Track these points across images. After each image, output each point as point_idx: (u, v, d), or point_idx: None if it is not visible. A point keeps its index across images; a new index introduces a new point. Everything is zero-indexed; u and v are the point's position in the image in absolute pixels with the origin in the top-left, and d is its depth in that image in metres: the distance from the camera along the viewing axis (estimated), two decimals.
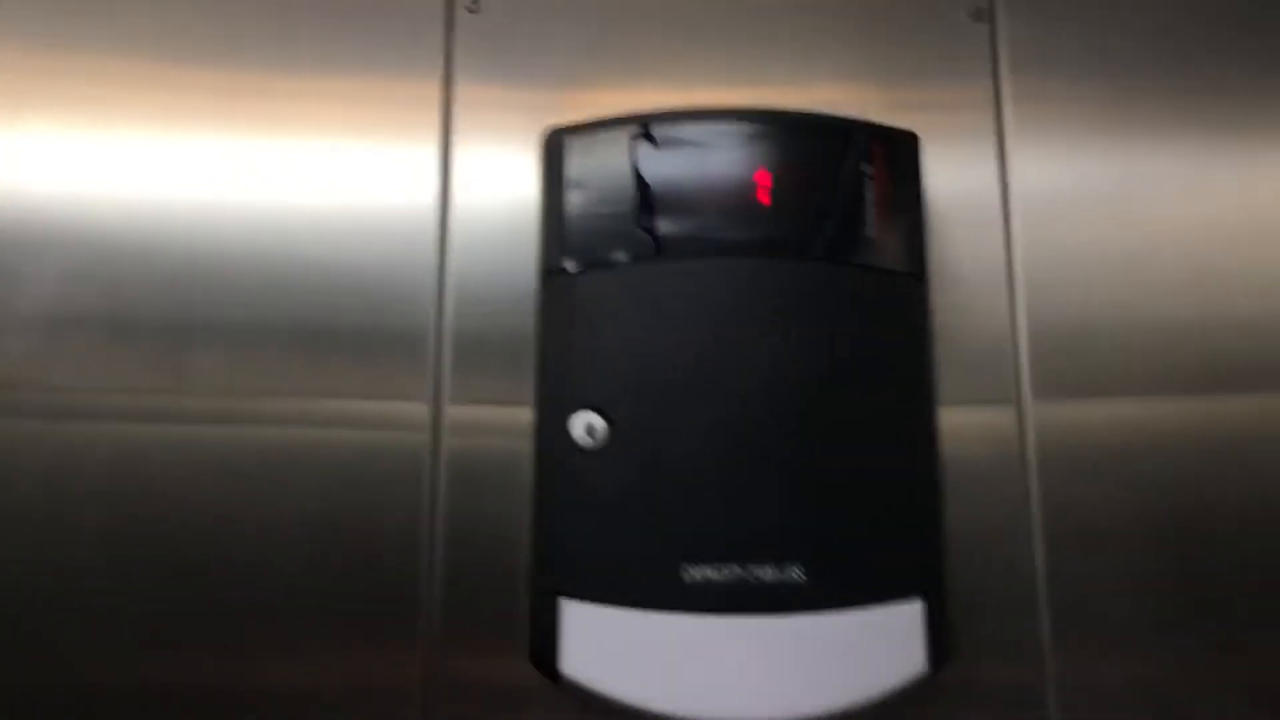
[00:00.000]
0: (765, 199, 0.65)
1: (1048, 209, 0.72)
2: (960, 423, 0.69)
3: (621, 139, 0.67)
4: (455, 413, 0.67)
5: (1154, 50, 0.75)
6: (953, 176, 0.72)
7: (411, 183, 0.70)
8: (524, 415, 0.66)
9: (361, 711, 0.64)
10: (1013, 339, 0.71)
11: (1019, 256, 0.72)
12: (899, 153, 0.68)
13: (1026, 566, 0.68)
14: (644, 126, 0.67)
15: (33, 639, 0.63)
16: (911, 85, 0.74)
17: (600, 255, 0.65)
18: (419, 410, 0.67)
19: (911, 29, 0.75)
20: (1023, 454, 0.69)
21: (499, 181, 0.71)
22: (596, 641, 0.61)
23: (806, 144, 0.67)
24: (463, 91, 0.72)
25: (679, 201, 0.66)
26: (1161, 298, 0.71)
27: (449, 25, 0.72)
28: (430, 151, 0.71)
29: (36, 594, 0.63)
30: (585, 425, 0.63)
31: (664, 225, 0.65)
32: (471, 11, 0.72)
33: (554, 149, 0.68)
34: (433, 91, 0.71)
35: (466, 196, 0.70)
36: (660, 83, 0.74)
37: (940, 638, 0.62)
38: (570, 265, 0.65)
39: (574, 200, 0.66)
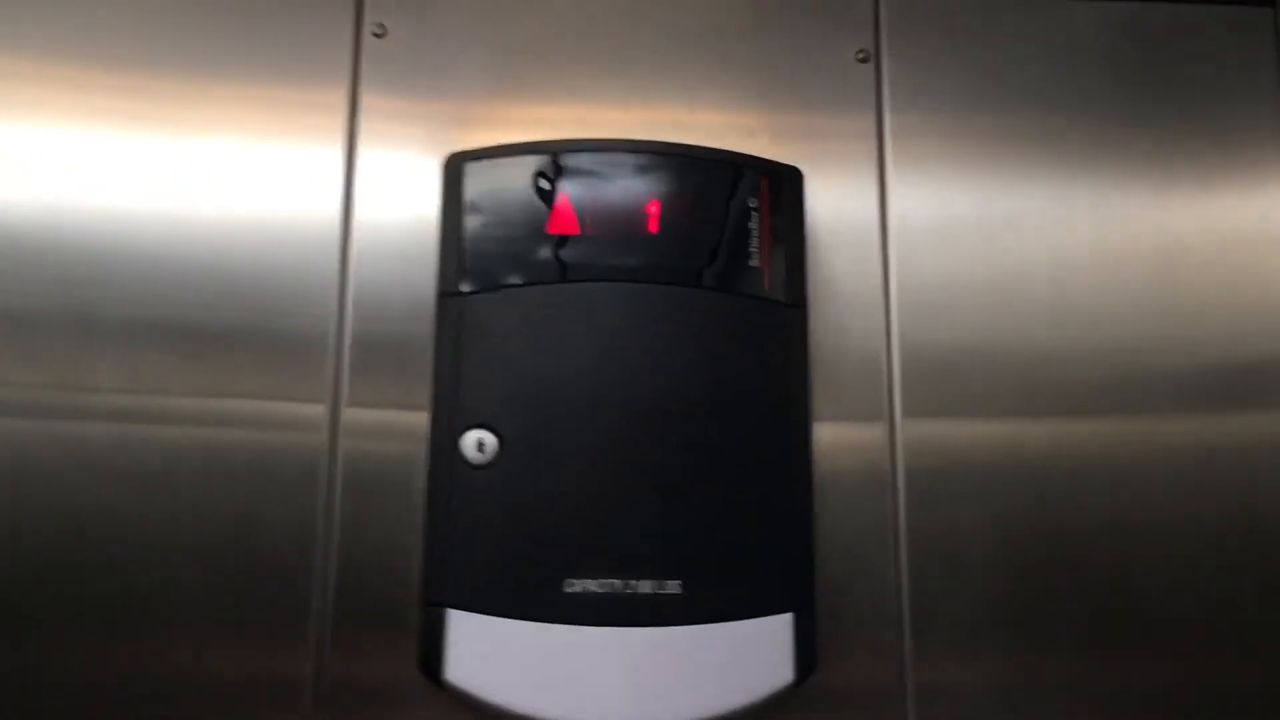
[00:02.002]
0: (656, 228, 0.68)
1: (923, 237, 0.76)
2: (834, 438, 0.72)
3: (519, 166, 0.69)
4: (353, 415, 0.69)
5: (1025, 94, 0.79)
6: (834, 202, 0.76)
7: (315, 187, 0.71)
8: (421, 419, 0.68)
9: (251, 711, 0.65)
10: (886, 359, 0.74)
11: (894, 281, 0.75)
12: (784, 188, 0.71)
13: (890, 577, 0.71)
14: (542, 155, 0.69)
15: None
16: (798, 114, 0.77)
17: (495, 278, 0.68)
18: (316, 412, 0.69)
19: (800, 65, 0.78)
20: (892, 468, 0.73)
21: (402, 192, 0.72)
22: (481, 650, 0.63)
23: (697, 178, 0.70)
24: (369, 104, 0.73)
25: (573, 228, 0.68)
26: (1026, 324, 0.75)
27: (356, 50, 0.74)
28: (335, 158, 0.72)
29: None
30: (476, 442, 0.65)
31: (557, 251, 0.68)
32: (378, 36, 0.74)
33: (454, 173, 0.70)
34: (338, 100, 0.73)
35: (370, 204, 0.72)
36: (559, 104, 0.76)
37: (807, 649, 0.66)
38: (466, 286, 0.68)
39: (471, 224, 0.68)
